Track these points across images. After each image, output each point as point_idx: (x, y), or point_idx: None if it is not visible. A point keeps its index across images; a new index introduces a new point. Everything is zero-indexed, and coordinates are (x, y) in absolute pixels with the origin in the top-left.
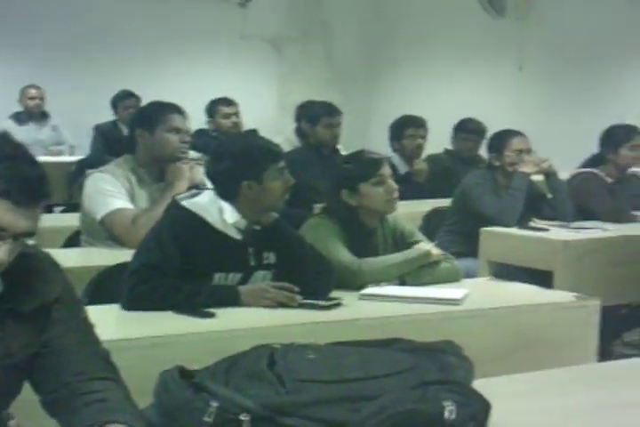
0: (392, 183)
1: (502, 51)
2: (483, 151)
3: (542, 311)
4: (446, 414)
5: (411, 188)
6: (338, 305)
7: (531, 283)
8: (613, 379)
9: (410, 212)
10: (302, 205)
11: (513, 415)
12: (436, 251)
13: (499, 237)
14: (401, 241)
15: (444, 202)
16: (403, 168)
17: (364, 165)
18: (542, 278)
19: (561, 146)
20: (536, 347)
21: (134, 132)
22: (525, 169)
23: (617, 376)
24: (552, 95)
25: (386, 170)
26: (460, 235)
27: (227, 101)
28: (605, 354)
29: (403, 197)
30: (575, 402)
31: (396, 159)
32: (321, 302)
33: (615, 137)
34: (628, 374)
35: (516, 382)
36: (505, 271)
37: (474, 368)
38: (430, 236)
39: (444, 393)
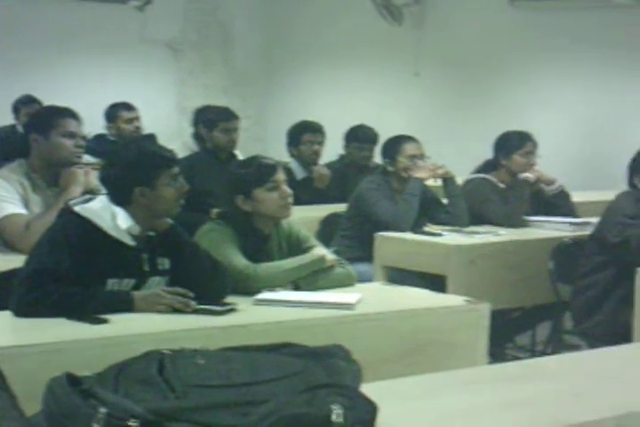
0: (286, 189)
1: (399, 57)
2: (377, 157)
3: (434, 315)
4: (334, 418)
5: (308, 193)
6: (232, 310)
7: (425, 287)
8: (500, 380)
9: (307, 217)
10: (199, 210)
11: (400, 418)
12: (330, 256)
13: (393, 242)
14: (296, 246)
15: (341, 207)
16: (300, 173)
17: (258, 170)
18: (437, 283)
19: (456, 151)
20: (428, 350)
21: (28, 137)
22: (419, 174)
23: (504, 378)
24: (447, 101)
25: (280, 175)
26: (355, 240)
27: (127, 106)
28: (498, 357)
29: (300, 203)
30: (462, 404)
31: (294, 164)
32: (215, 308)
33: (509, 143)
34: (515, 376)
35: (405, 384)
36: (400, 276)
37: (362, 372)
38: (327, 241)
39: (331, 397)
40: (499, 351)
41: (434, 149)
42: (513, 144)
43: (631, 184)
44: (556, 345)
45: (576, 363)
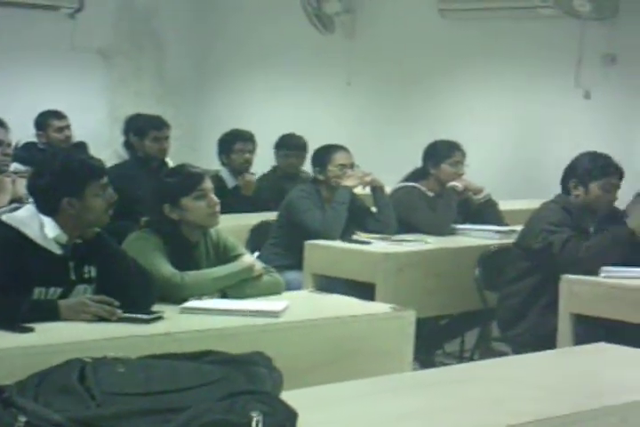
0: (213, 197)
1: (331, 66)
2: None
3: (360, 322)
4: (253, 425)
5: (239, 201)
6: (159, 319)
7: (354, 295)
8: (424, 386)
9: (237, 225)
10: (129, 219)
11: (323, 424)
12: (258, 264)
13: (322, 250)
14: (224, 254)
15: (272, 215)
16: (231, 182)
17: (185, 179)
18: (366, 290)
19: (386, 160)
20: (354, 357)
21: None
22: (348, 183)
23: (427, 384)
24: (379, 110)
25: (207, 184)
26: (285, 248)
27: (57, 115)
28: (427, 364)
29: (231, 211)
30: (385, 410)
31: (225, 173)
32: (142, 316)
33: (437, 152)
34: (438, 382)
35: (330, 391)
36: (329, 284)
37: (283, 379)
38: (258, 249)
39: (251, 404)
40: (428, 359)
41: (364, 158)
42: (441, 153)
43: (565, 189)
44: (484, 352)
45: (498, 369)
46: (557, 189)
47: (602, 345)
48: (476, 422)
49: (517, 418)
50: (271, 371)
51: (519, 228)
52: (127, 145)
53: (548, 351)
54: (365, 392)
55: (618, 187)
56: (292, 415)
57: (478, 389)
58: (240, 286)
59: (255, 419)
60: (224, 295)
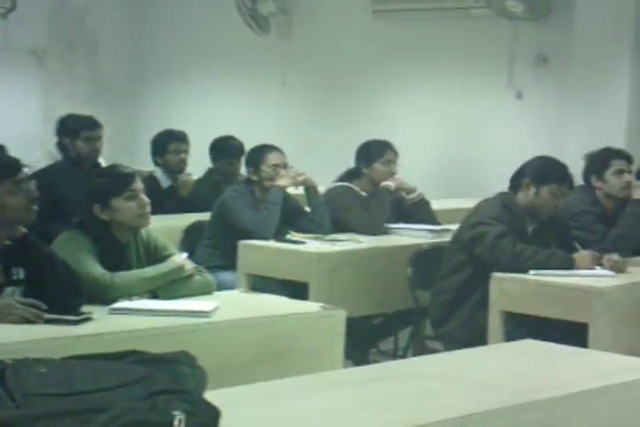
0: (144, 198)
1: (266, 66)
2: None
3: (290, 322)
4: (175, 423)
5: (174, 202)
6: (87, 320)
7: (288, 295)
8: (352, 384)
9: (171, 225)
10: (61, 220)
11: (248, 423)
12: (188, 264)
13: (256, 250)
14: (154, 255)
15: (205, 216)
16: (165, 182)
17: (116, 179)
18: (300, 290)
19: (321, 160)
20: (285, 356)
21: None
22: (281, 183)
23: (356, 381)
24: (314, 110)
25: (137, 184)
26: (218, 248)
27: None
28: (361, 362)
29: (165, 211)
30: (312, 407)
31: (159, 173)
32: (70, 317)
33: (369, 152)
34: (367, 379)
35: (258, 389)
36: (263, 284)
37: (207, 378)
38: (191, 249)
39: (174, 403)
40: (362, 357)
41: (299, 158)
42: (374, 153)
43: (513, 187)
44: (417, 350)
45: (426, 366)
46: (490, 188)
47: (529, 342)
48: (403, 418)
49: (445, 414)
50: (195, 370)
51: (452, 227)
52: (60, 146)
53: (477, 348)
54: (292, 390)
55: (566, 195)
56: (214, 414)
57: (405, 385)
58: (170, 287)
59: (177, 418)
60: (154, 296)
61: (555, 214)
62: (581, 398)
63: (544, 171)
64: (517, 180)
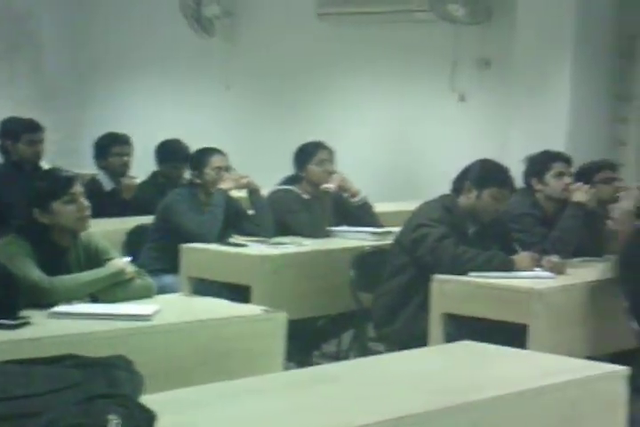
0: (83, 201)
1: (210, 69)
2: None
3: (231, 325)
4: None
5: (117, 205)
6: (26, 324)
7: (231, 298)
8: (291, 386)
9: (114, 229)
10: (2, 223)
11: (184, 426)
12: (129, 268)
13: (199, 253)
14: (95, 258)
15: (148, 219)
16: (108, 185)
17: (55, 183)
18: (243, 293)
19: (265, 163)
20: (226, 359)
21: None
22: (224, 186)
23: (295, 384)
24: (258, 113)
25: (77, 188)
26: (161, 251)
27: None
28: (305, 365)
29: (108, 214)
30: (249, 410)
31: (102, 176)
32: (8, 322)
33: (303, 154)
34: (306, 382)
35: (197, 393)
36: (206, 287)
37: (144, 382)
38: (135, 253)
39: (109, 407)
40: (305, 359)
41: (242, 161)
42: (306, 155)
43: (456, 190)
44: (360, 352)
45: (366, 368)
46: (433, 191)
47: (468, 343)
48: (339, 420)
49: (380, 415)
50: (131, 374)
51: (394, 229)
52: (1, 148)
53: (415, 350)
54: (230, 393)
55: (507, 198)
56: (150, 418)
57: (343, 388)
58: (111, 290)
59: (113, 422)
60: (94, 300)
61: (496, 217)
62: (517, 398)
63: (485, 174)
64: (459, 183)
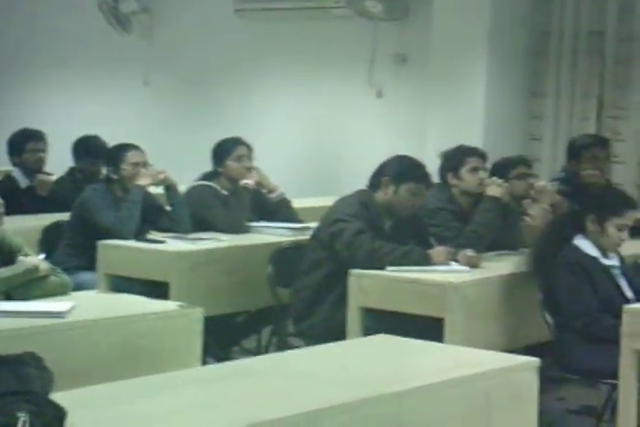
0: None
1: (128, 65)
2: None
3: (146, 321)
4: (19, 425)
5: (33, 201)
6: None
7: (149, 294)
8: (206, 382)
9: (29, 225)
10: None
11: (96, 422)
12: (43, 265)
13: (116, 250)
14: (8, 255)
15: (65, 216)
16: (24, 182)
17: None
18: (161, 289)
19: (182, 159)
20: (143, 356)
21: None
22: (141, 182)
23: (210, 379)
24: (176, 110)
25: None
26: (78, 248)
27: None
28: (225, 361)
29: (24, 211)
30: (162, 406)
31: (17, 173)
32: None
33: (221, 150)
34: (221, 377)
35: (109, 389)
36: (124, 284)
37: (54, 378)
38: (51, 250)
39: (18, 404)
40: (225, 355)
41: (160, 157)
42: (224, 150)
43: (373, 185)
44: (280, 347)
45: (281, 362)
46: (351, 186)
47: (384, 337)
48: (251, 414)
49: (292, 409)
50: (41, 371)
51: (313, 224)
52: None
53: (331, 344)
54: (144, 390)
55: (424, 194)
56: (60, 415)
57: (258, 382)
58: (25, 287)
59: (21, 419)
60: (8, 297)
61: (412, 212)
62: (430, 390)
63: (403, 170)
64: (376, 178)
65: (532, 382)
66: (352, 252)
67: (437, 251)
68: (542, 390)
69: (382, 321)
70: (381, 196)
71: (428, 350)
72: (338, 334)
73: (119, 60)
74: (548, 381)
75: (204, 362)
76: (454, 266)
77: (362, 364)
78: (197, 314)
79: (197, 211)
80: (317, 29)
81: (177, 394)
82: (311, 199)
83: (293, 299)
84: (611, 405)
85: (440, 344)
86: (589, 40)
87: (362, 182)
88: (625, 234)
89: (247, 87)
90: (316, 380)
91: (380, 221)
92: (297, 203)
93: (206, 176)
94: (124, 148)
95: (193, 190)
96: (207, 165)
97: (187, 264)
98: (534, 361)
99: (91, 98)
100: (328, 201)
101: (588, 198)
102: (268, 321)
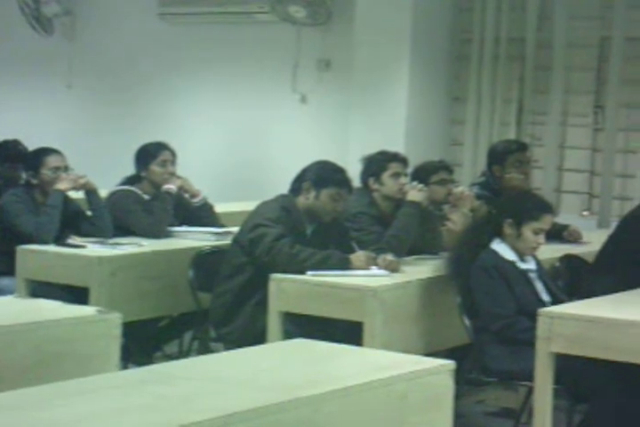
0: None
1: (51, 69)
2: None
3: (63, 326)
4: None
5: None
6: None
7: (70, 300)
8: (123, 387)
9: None
10: None
11: None
12: None
13: (36, 255)
14: None
15: None
16: None
17: None
18: (82, 295)
19: (104, 163)
20: (60, 361)
21: None
22: (61, 186)
23: (127, 384)
24: (98, 113)
25: None
26: None
27: None
28: (146, 366)
29: None
30: (76, 412)
31: None
32: None
33: (145, 154)
34: (138, 381)
35: (24, 395)
36: (44, 289)
37: None
38: None
39: None
40: (147, 360)
41: (81, 161)
42: (148, 155)
43: (295, 190)
44: (202, 352)
45: (198, 367)
46: (275, 191)
47: (302, 341)
48: (164, 420)
49: (207, 414)
50: None
51: (235, 229)
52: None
53: (249, 348)
54: (59, 395)
55: (345, 198)
56: None
57: (174, 387)
58: None
59: None
60: None
61: (333, 216)
62: (347, 394)
63: (323, 175)
64: (298, 183)
65: (447, 385)
66: (272, 257)
67: (357, 255)
68: (462, 394)
69: (303, 326)
70: (302, 201)
71: (344, 354)
72: (258, 338)
73: (42, 64)
74: (467, 384)
75: (126, 368)
76: (374, 270)
77: (278, 368)
78: (115, 319)
79: (119, 216)
80: (241, 34)
81: (90, 399)
82: (234, 204)
83: (214, 304)
84: (528, 407)
85: (357, 348)
86: (510, 46)
87: (285, 187)
88: (541, 238)
89: (170, 91)
90: (231, 384)
91: (301, 226)
92: (219, 208)
93: (128, 180)
94: (43, 152)
95: (114, 195)
96: (129, 170)
97: (107, 269)
98: (450, 364)
99: (13, 101)
100: (251, 206)
101: (505, 203)
102: (189, 326)
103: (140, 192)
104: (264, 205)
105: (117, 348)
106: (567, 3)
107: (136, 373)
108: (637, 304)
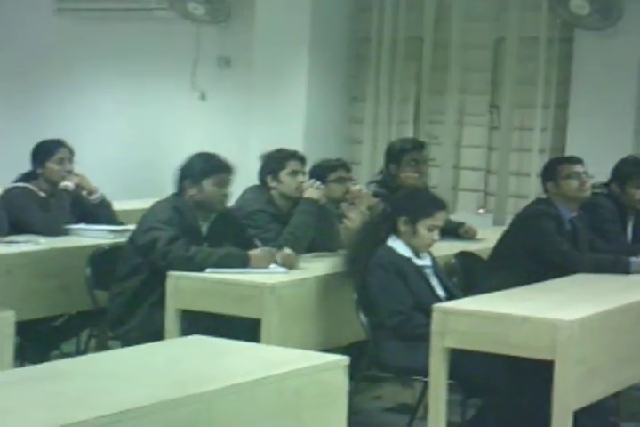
0: None
1: None
2: None
3: None
4: None
5: None
6: None
7: None
8: (9, 385)
9: None
10: None
11: None
12: None
13: None
14: None
15: None
16: None
17: None
18: None
19: (3, 161)
20: None
21: None
22: None
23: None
24: (2, 111)
25: None
26: None
27: None
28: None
29: None
30: None
31: None
32: None
33: (42, 151)
34: (25, 379)
35: None
36: None
37: None
38: None
39: None
40: (43, 359)
41: None
42: (45, 152)
43: (179, 190)
44: (99, 350)
45: (90, 364)
46: (171, 190)
47: (197, 338)
48: (52, 417)
49: (99, 411)
50: None
51: (132, 227)
52: None
53: (144, 345)
54: None
55: (229, 182)
56: None
57: (65, 384)
58: None
59: None
60: None
61: (228, 213)
62: (240, 390)
63: (198, 166)
64: (181, 181)
65: (341, 381)
66: (168, 262)
67: (256, 253)
68: (359, 390)
69: (200, 323)
70: (189, 198)
71: (239, 351)
72: (156, 337)
73: None
74: (364, 380)
75: (19, 367)
76: (273, 267)
77: (172, 364)
78: (9, 318)
79: (14, 213)
80: (140, 30)
81: None
82: (132, 202)
83: (111, 304)
84: (424, 402)
85: (252, 344)
86: (407, 46)
87: None
88: (436, 234)
89: (68, 88)
90: (122, 381)
91: (195, 224)
92: (117, 205)
93: (23, 178)
94: None
95: (9, 192)
96: (25, 167)
97: (3, 267)
98: (343, 360)
99: None
100: (149, 203)
101: (399, 201)
102: (87, 324)
103: (35, 189)
104: (157, 205)
105: (11, 346)
106: (463, 4)
107: (28, 370)
108: (529, 300)
